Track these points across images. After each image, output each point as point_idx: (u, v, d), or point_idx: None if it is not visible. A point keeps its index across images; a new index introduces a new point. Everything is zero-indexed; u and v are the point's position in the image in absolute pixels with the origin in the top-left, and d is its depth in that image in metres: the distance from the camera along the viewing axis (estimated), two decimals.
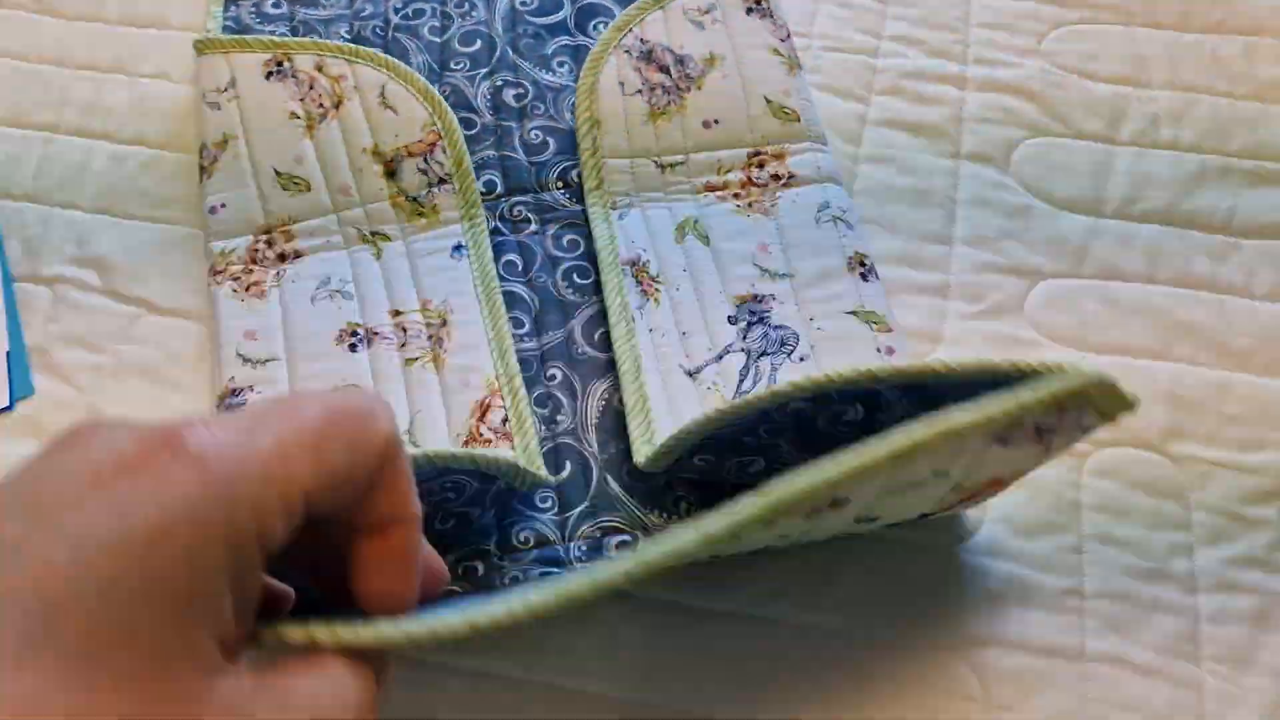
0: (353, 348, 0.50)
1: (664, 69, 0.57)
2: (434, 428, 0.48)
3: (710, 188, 0.55)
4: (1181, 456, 0.49)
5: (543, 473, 0.45)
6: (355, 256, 0.54)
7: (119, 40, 0.65)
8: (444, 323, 0.51)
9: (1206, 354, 0.52)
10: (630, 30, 0.58)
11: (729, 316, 0.50)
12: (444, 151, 0.55)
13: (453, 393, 0.49)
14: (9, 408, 0.51)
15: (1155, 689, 0.44)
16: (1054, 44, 0.64)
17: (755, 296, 0.51)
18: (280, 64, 0.57)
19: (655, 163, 0.55)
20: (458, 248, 0.53)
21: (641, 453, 0.45)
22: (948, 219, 0.57)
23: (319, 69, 0.57)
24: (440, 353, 0.50)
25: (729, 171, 0.56)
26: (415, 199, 0.54)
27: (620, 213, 0.54)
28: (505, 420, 0.47)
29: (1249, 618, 0.46)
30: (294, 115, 0.56)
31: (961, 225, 0.57)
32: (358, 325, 0.51)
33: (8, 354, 0.52)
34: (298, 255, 0.54)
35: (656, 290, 0.51)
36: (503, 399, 0.48)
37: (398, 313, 0.52)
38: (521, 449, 0.46)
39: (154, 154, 0.59)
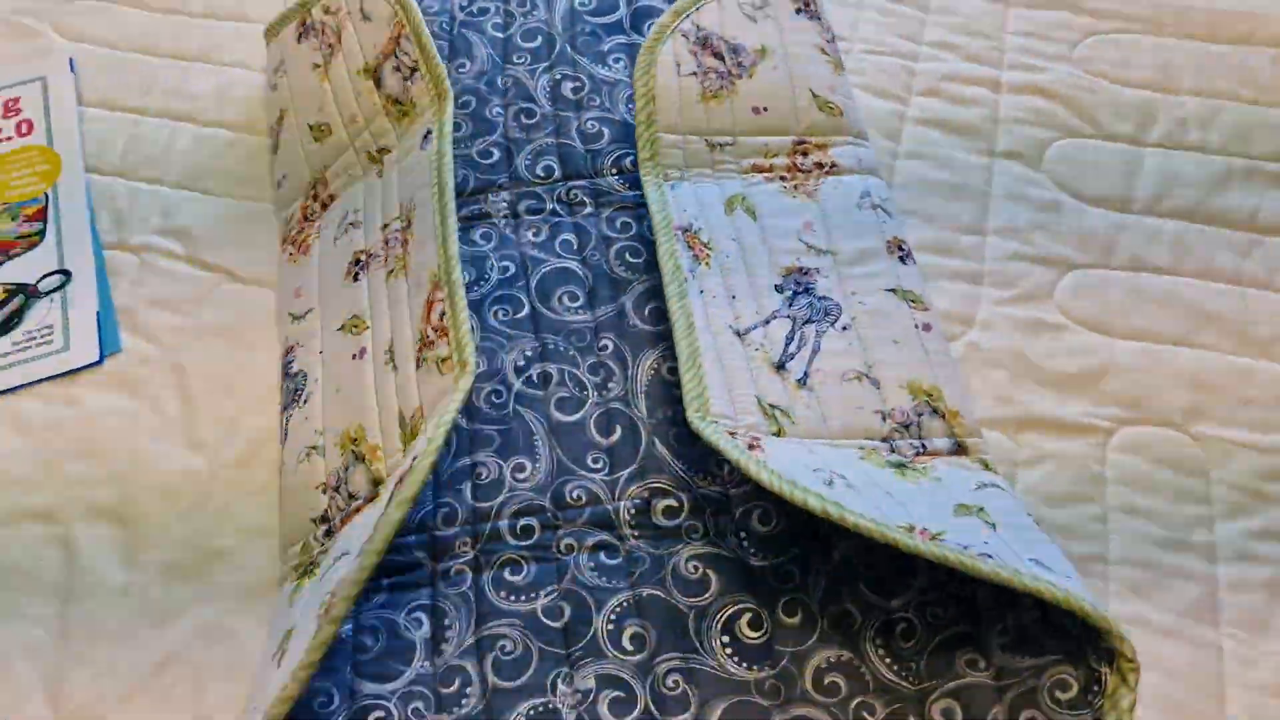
0: (355, 277, 0.53)
1: (718, 55, 0.60)
2: (404, 341, 0.49)
3: (757, 169, 0.58)
4: (1203, 436, 0.52)
5: (470, 363, 0.45)
6: (367, 182, 0.56)
7: (202, 32, 0.69)
8: (409, 222, 0.52)
9: (1229, 342, 0.55)
10: (688, 16, 0.61)
11: (775, 285, 0.53)
12: (409, 40, 0.56)
13: (414, 295, 0.50)
14: (99, 361, 0.54)
15: (1176, 649, 0.46)
16: (1086, 51, 0.67)
17: (801, 269, 0.54)
18: (304, 23, 0.61)
19: (705, 141, 0.59)
20: (426, 135, 0.54)
21: (693, 407, 0.47)
22: (981, 212, 0.60)
23: (326, 10, 0.60)
24: (405, 255, 0.51)
25: (775, 156, 0.59)
26: (398, 100, 0.56)
27: (672, 184, 0.57)
28: (443, 315, 0.48)
29: (1267, 587, 0.48)
30: (315, 66, 0.59)
31: (995, 217, 0.60)
32: (360, 253, 0.54)
33: (98, 313, 0.56)
34: (332, 198, 0.57)
35: (707, 255, 0.54)
36: (441, 290, 0.48)
37: (385, 225, 0.53)
38: (455, 345, 0.46)
39: (234, 136, 0.64)
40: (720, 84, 0.60)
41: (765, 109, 0.59)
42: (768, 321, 0.52)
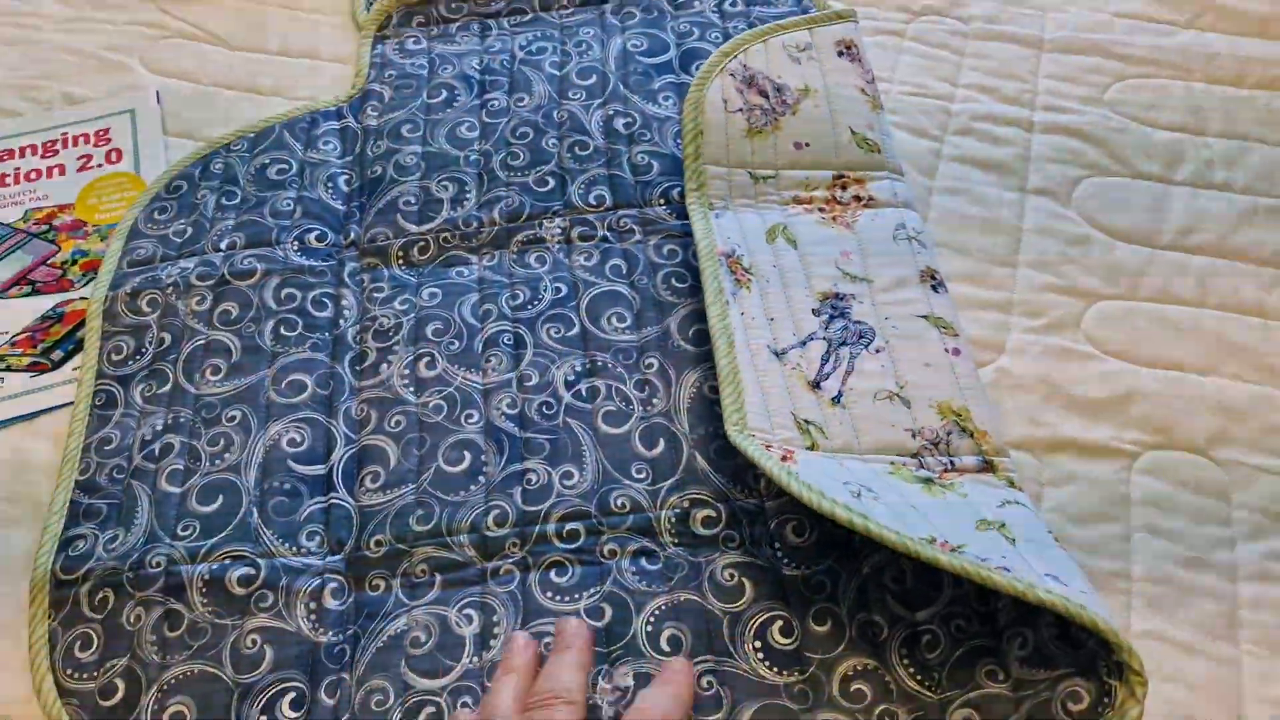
0: None
1: (763, 93, 0.63)
2: None
3: (798, 201, 0.61)
4: (1226, 461, 0.54)
5: None
6: None
7: (277, 67, 0.74)
8: None
9: (1252, 371, 0.57)
10: (735, 57, 0.65)
11: (813, 309, 0.56)
12: None
13: None
14: None
15: (1196, 664, 0.48)
16: (1116, 94, 0.69)
17: (837, 294, 0.57)
18: None
19: (750, 174, 0.62)
20: None
21: (731, 421, 0.50)
22: (1013, 245, 0.62)
23: None
24: None
25: (815, 189, 0.62)
26: None
27: (716, 213, 0.60)
28: None
29: None
30: None
31: (1026, 251, 0.62)
32: None
33: None
34: None
35: (748, 279, 0.57)
36: None
37: None
38: None
39: None
40: (765, 120, 0.63)
41: (807, 144, 0.63)
42: (804, 343, 0.55)
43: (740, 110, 0.63)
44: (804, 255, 0.58)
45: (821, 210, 0.61)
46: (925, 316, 0.56)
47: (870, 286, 0.57)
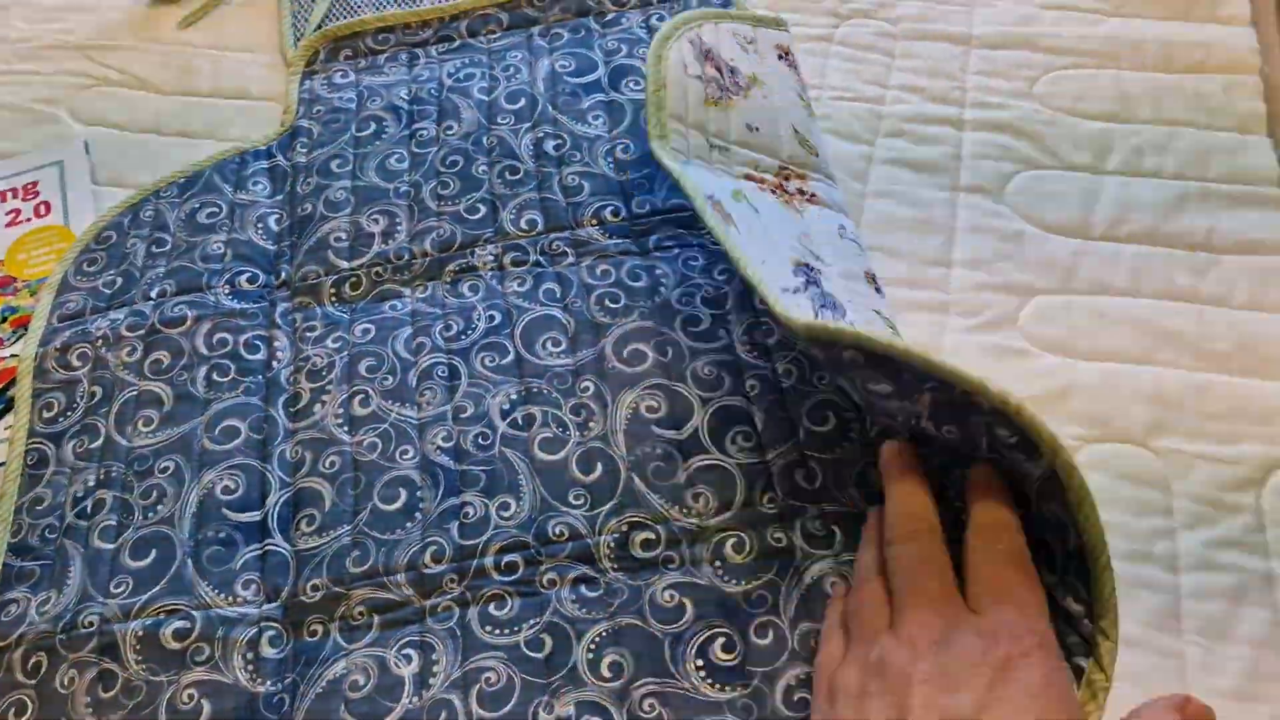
0: None
1: (718, 69, 0.63)
2: None
3: (750, 178, 0.61)
4: (1164, 450, 0.53)
5: None
6: None
7: (208, 110, 0.74)
8: None
9: (1187, 358, 0.56)
10: (691, 27, 0.64)
11: (792, 269, 0.54)
12: None
13: None
14: None
15: (1139, 658, 0.48)
16: (1045, 87, 0.69)
17: (807, 265, 0.55)
18: None
19: (707, 140, 0.61)
20: None
21: (778, 305, 0.48)
22: (947, 245, 0.62)
23: None
24: None
25: (765, 173, 0.61)
26: None
27: (683, 163, 0.58)
28: None
29: (1227, 594, 0.49)
30: None
31: (960, 250, 0.62)
32: None
33: None
34: None
35: (732, 221, 0.55)
36: None
37: None
38: None
39: None
40: (720, 94, 0.62)
41: (757, 128, 0.62)
42: (794, 291, 0.53)
43: (698, 77, 0.62)
44: (767, 228, 0.57)
45: (774, 193, 0.60)
46: (878, 312, 0.56)
47: (829, 270, 0.56)
